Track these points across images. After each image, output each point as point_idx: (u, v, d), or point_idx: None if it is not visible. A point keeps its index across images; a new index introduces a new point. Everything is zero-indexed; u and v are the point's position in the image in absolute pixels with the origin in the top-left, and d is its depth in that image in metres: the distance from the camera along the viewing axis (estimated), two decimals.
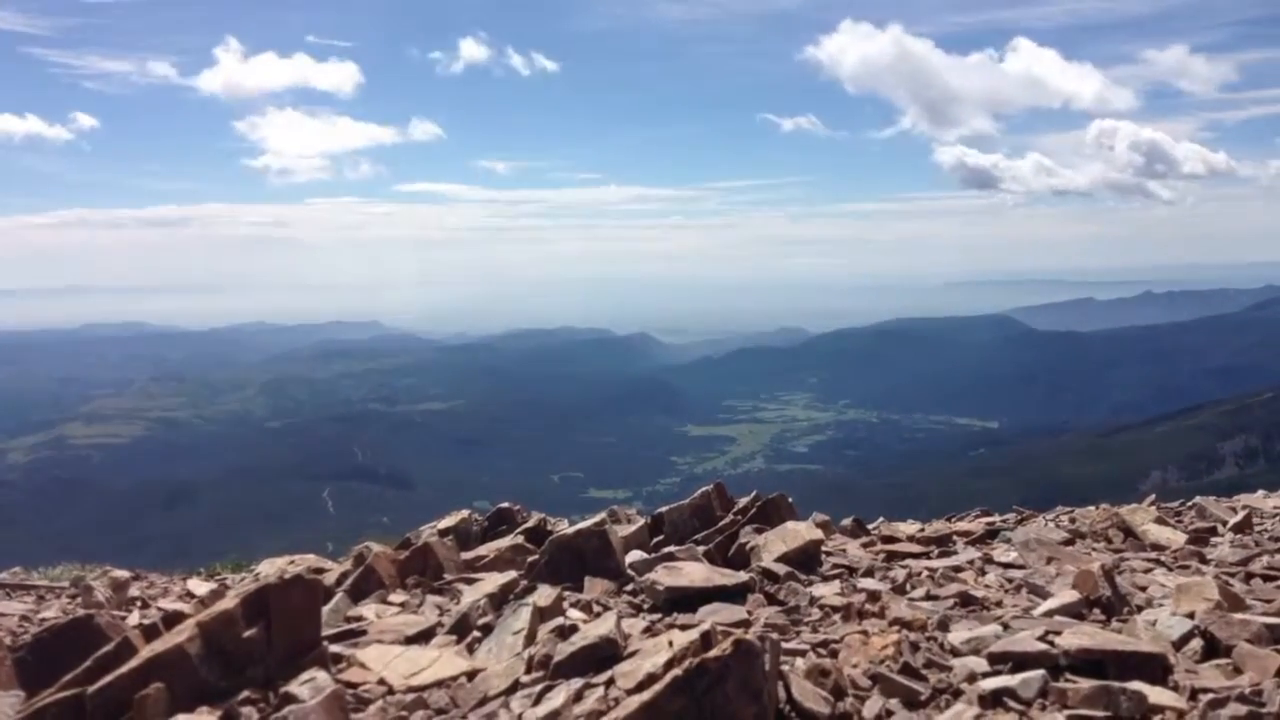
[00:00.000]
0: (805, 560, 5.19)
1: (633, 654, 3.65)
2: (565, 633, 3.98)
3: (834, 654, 3.71)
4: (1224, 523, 6.12)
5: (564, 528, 5.82)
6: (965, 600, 4.43)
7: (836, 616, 4.25)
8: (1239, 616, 3.76)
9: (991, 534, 6.17)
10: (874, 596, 4.48)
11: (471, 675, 3.79)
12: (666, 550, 5.39)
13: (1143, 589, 4.55)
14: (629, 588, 4.89)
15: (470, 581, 5.20)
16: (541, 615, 4.21)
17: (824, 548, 5.50)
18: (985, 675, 3.38)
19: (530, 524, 6.28)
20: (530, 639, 4.03)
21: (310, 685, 3.42)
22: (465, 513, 6.62)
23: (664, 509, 6.11)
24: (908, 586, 4.77)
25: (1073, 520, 6.58)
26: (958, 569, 5.10)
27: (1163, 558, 5.28)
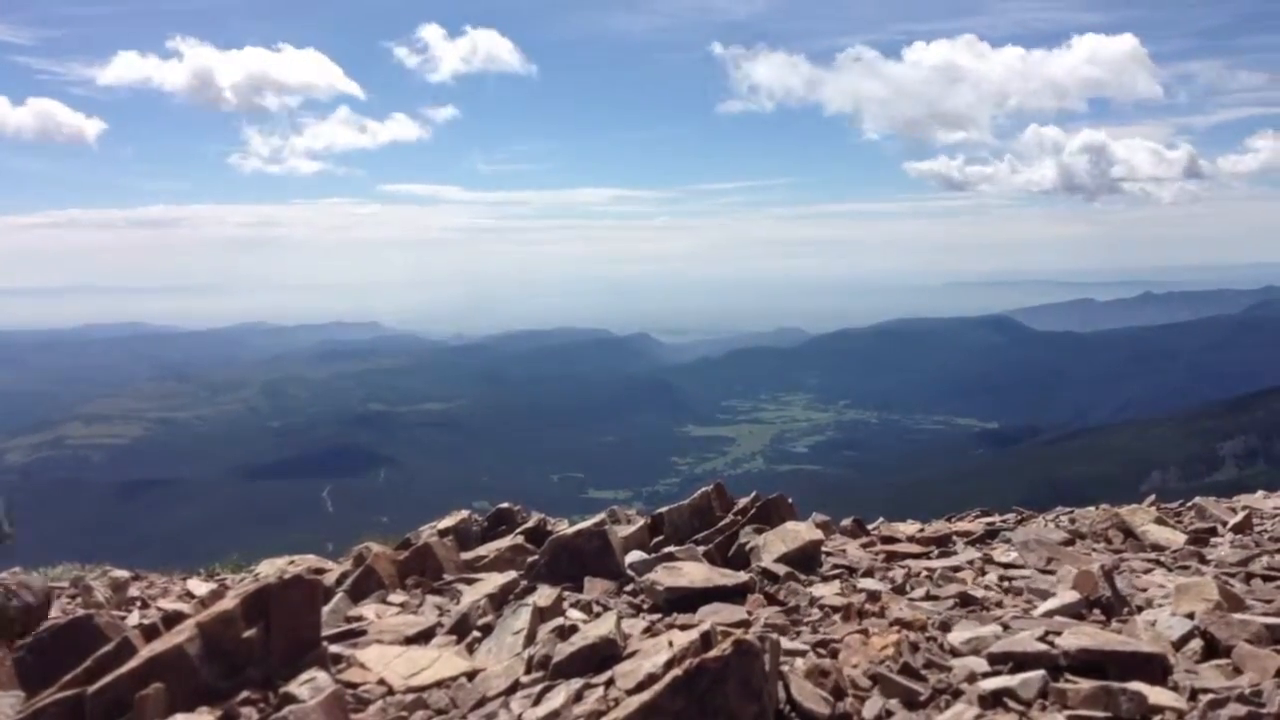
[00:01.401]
0: (805, 560, 5.20)
1: (633, 654, 3.65)
2: (565, 633, 3.98)
3: (834, 654, 3.71)
4: (1224, 523, 6.12)
5: (564, 528, 5.82)
6: (965, 600, 4.43)
7: (836, 617, 4.25)
8: (1239, 617, 3.76)
9: (991, 534, 6.17)
10: (874, 597, 4.48)
11: (471, 675, 3.79)
12: (666, 550, 5.39)
13: (1142, 589, 4.55)
14: (629, 588, 4.89)
15: (470, 582, 5.20)
16: (541, 615, 4.22)
17: (824, 548, 5.50)
18: (985, 675, 3.38)
19: (530, 524, 6.28)
20: (530, 639, 4.03)
21: (310, 685, 3.42)
22: (465, 513, 6.61)
23: (664, 509, 6.11)
24: (907, 587, 4.78)
25: (1072, 521, 6.58)
26: (957, 569, 5.10)
27: (1162, 558, 5.28)
